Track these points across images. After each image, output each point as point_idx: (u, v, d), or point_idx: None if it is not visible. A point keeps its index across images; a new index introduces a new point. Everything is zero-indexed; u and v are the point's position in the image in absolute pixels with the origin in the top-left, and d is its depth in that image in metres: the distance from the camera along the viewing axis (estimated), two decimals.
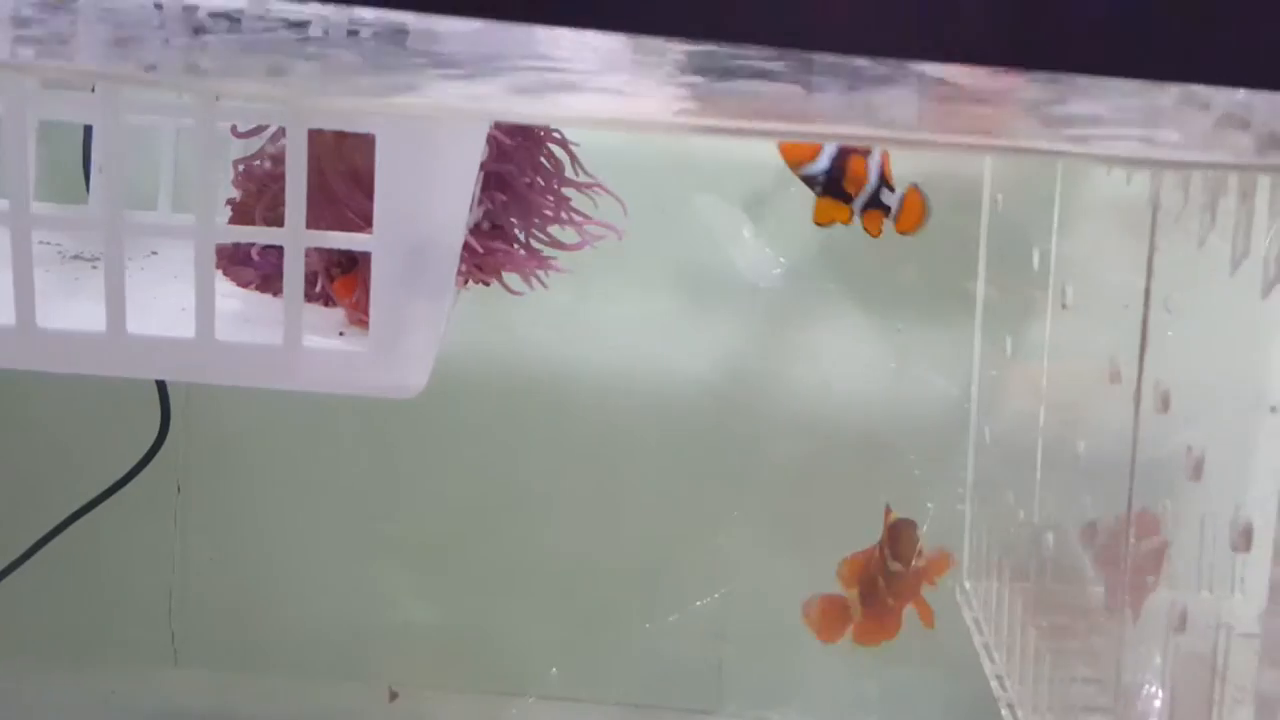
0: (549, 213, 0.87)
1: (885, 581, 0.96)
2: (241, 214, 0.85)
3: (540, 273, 0.86)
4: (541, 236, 0.87)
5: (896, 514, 0.96)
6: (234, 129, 0.83)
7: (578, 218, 0.87)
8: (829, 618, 0.99)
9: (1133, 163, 0.53)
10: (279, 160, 0.80)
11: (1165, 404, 0.62)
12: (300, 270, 0.70)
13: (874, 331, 1.17)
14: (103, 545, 1.18)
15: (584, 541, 1.20)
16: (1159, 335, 0.61)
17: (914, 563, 0.94)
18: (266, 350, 0.72)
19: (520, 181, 0.87)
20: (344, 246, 0.71)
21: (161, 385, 1.11)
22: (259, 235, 0.73)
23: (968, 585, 1.02)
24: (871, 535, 1.05)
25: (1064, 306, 0.80)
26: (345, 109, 0.61)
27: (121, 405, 1.15)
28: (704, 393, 1.18)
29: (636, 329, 1.18)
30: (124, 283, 0.69)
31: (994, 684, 0.90)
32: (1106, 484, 0.71)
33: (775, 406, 1.18)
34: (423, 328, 0.72)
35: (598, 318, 1.17)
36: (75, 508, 1.13)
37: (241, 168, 0.86)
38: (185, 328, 0.71)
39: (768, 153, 1.02)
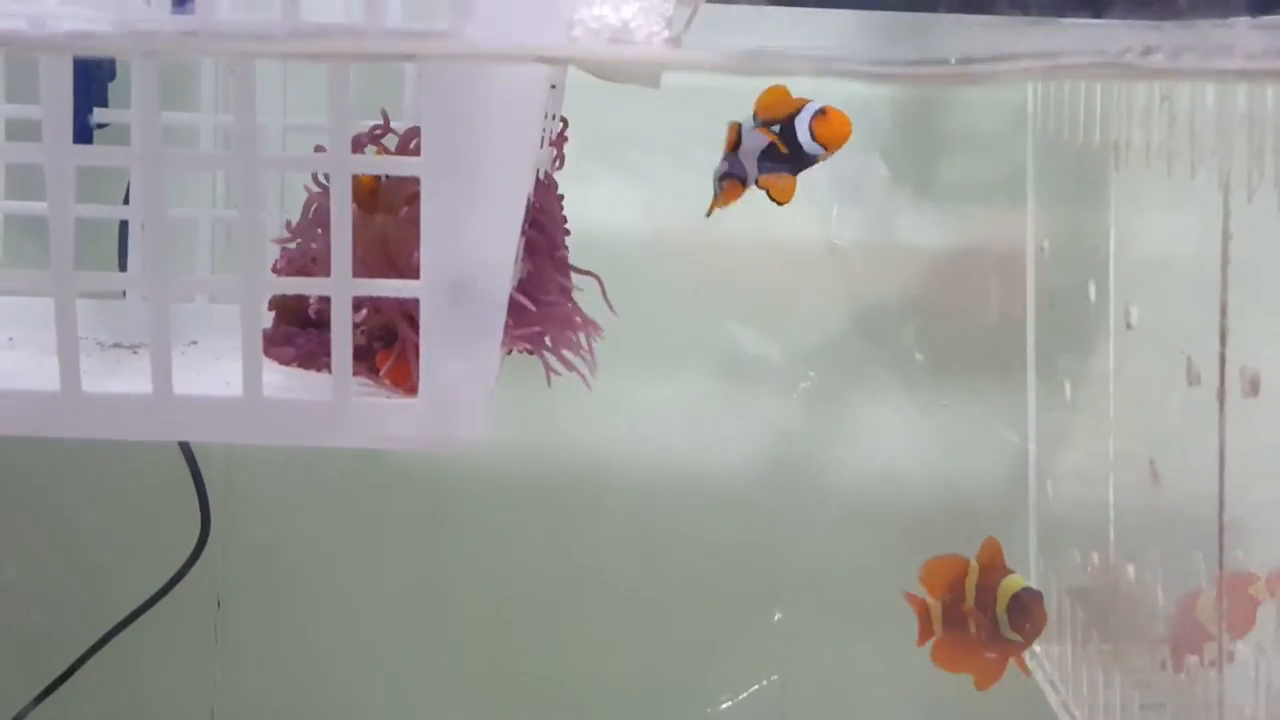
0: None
1: (984, 631, 0.91)
2: (283, 304, 0.84)
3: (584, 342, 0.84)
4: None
5: (1018, 578, 0.90)
6: (287, 226, 0.82)
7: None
8: (921, 621, 0.94)
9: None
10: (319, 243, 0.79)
11: (1255, 388, 0.59)
12: (348, 321, 0.68)
13: (919, 409, 1.15)
14: (141, 665, 1.15)
15: (634, 641, 1.17)
16: (1242, 319, 0.59)
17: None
18: (316, 407, 0.70)
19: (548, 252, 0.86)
20: (391, 294, 0.69)
21: (201, 493, 1.09)
22: (306, 286, 0.72)
23: (1038, 649, 0.99)
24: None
25: (1129, 327, 0.79)
26: (385, 53, 0.60)
27: (158, 518, 1.13)
28: (748, 479, 1.16)
29: (675, 415, 1.16)
30: (169, 340, 0.68)
31: None
32: (1190, 511, 0.69)
33: (821, 490, 1.16)
34: (474, 378, 0.70)
35: (636, 405, 1.15)
36: (111, 625, 1.10)
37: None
38: (231, 393, 0.70)
39: (805, 229, 1.01)
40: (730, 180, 0.85)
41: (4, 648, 1.14)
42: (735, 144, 0.84)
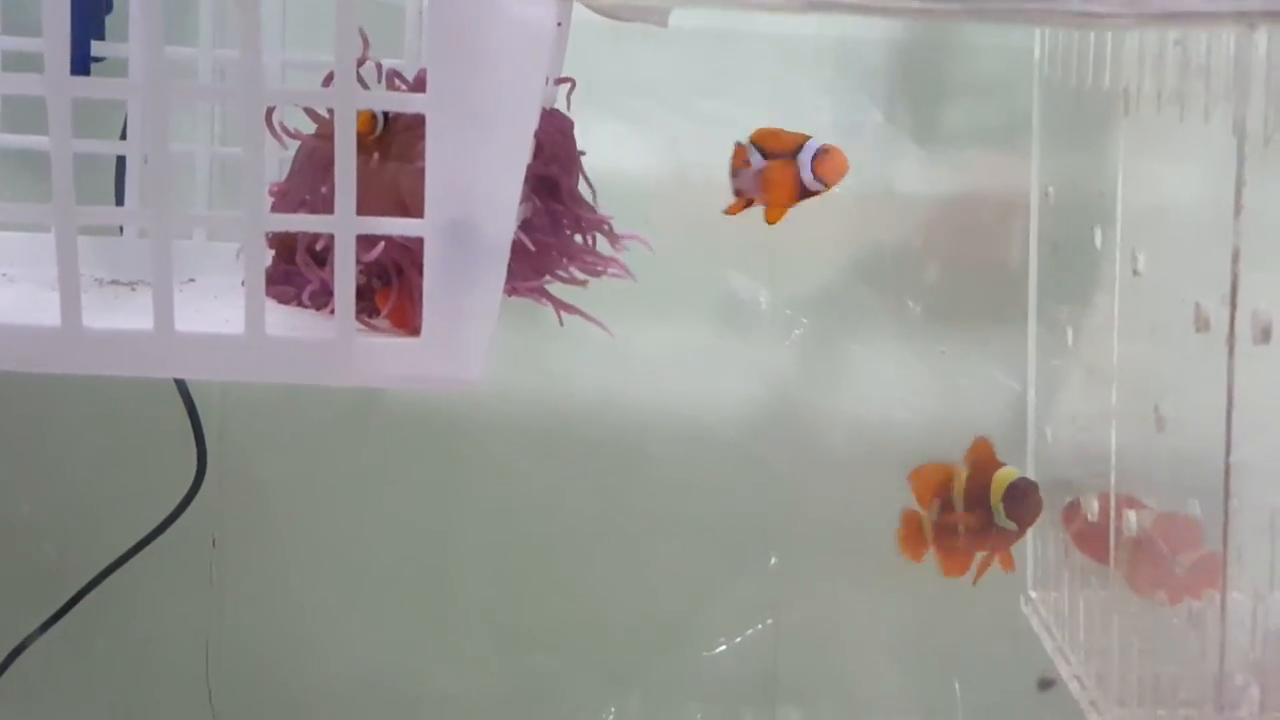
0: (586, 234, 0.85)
1: (977, 526, 0.91)
2: (282, 244, 0.83)
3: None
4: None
5: (1013, 470, 0.91)
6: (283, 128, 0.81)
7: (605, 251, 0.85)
8: (909, 535, 0.95)
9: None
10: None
11: (1266, 335, 0.59)
12: (351, 259, 0.68)
13: (916, 356, 1.15)
14: (137, 602, 1.15)
15: (630, 585, 1.18)
16: (1254, 266, 0.59)
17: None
18: (319, 345, 0.69)
19: (567, 186, 0.85)
20: (396, 232, 0.69)
21: (198, 432, 1.09)
22: (309, 224, 0.71)
23: (1034, 594, 0.99)
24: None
25: (1135, 273, 0.79)
26: None
27: (154, 457, 1.13)
28: (746, 423, 1.16)
29: (674, 359, 1.16)
30: (171, 275, 0.67)
31: (1073, 685, 0.87)
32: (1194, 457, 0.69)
33: (819, 435, 1.16)
34: (476, 317, 0.70)
35: (633, 350, 1.15)
36: (107, 563, 1.10)
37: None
38: (233, 330, 0.69)
39: None
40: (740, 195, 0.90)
41: (1, 585, 1.15)
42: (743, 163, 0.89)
